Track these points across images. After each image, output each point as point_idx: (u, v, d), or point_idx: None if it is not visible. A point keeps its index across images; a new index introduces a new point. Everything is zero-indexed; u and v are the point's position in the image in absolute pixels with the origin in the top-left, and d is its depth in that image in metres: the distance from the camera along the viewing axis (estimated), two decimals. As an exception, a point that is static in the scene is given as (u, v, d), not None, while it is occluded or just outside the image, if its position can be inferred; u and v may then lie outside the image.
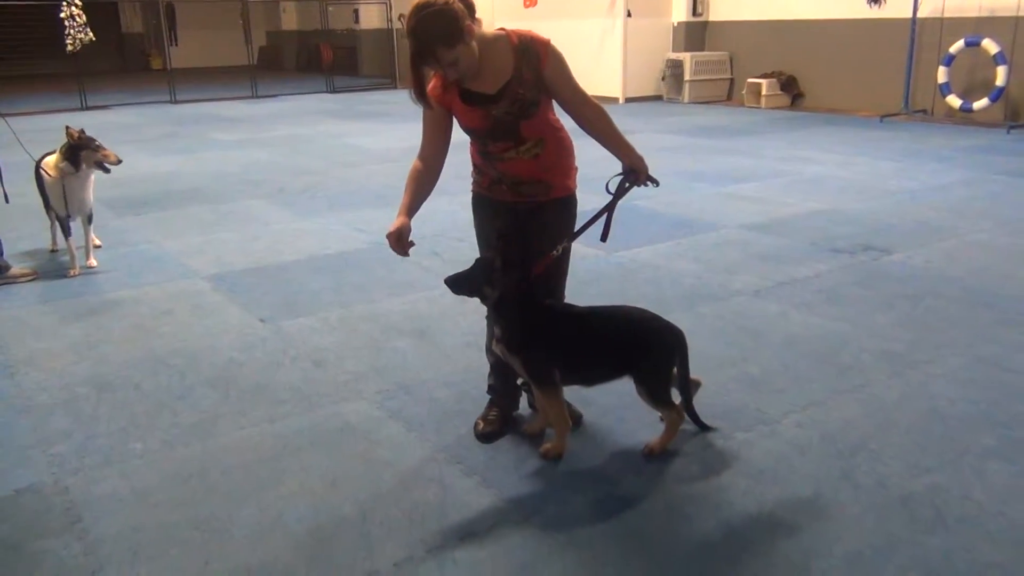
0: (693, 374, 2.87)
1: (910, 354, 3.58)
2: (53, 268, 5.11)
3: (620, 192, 2.84)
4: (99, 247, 5.39)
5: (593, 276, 4.70)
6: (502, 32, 2.69)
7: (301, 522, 2.50)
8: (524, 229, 2.81)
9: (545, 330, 2.75)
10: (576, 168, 2.90)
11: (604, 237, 2.88)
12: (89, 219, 5.14)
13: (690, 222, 5.87)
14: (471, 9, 2.57)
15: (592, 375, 2.86)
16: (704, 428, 2.93)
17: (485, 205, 2.89)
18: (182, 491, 2.68)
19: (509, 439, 2.97)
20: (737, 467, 2.73)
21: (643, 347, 2.77)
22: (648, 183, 2.85)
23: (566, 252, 2.89)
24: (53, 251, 5.44)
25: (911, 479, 2.64)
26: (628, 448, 2.86)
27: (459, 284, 2.75)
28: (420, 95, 2.66)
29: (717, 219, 5.95)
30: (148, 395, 3.37)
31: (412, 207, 2.75)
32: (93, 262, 5.11)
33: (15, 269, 4.88)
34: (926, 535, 2.37)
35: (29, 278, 4.86)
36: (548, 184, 2.80)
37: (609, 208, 2.87)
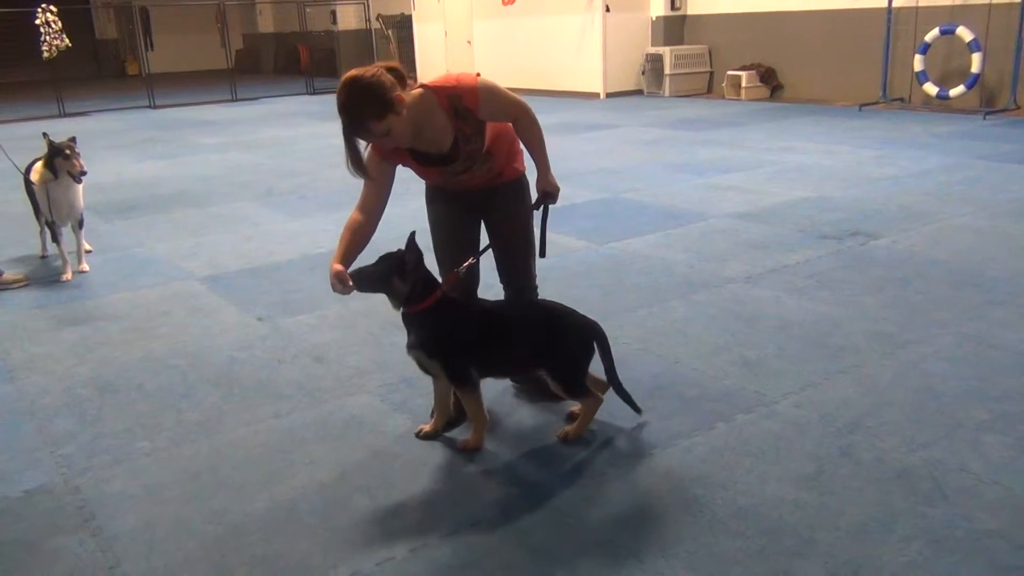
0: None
1: (901, 334, 3.66)
2: (45, 274, 5.10)
3: (544, 217, 3.01)
4: (90, 252, 5.37)
5: (585, 268, 4.74)
6: (427, 92, 2.66)
7: (314, 513, 2.54)
8: (483, 212, 3.02)
9: (460, 330, 2.79)
10: (521, 150, 3.00)
11: (542, 253, 3.07)
12: (80, 224, 5.13)
13: (678, 213, 5.94)
14: (401, 78, 2.58)
15: (507, 369, 2.98)
16: (638, 410, 2.94)
17: (439, 195, 3.03)
18: (193, 486, 2.70)
19: (515, 428, 3.01)
20: (740, 447, 2.79)
21: (555, 342, 2.81)
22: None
23: (530, 232, 3.05)
24: (43, 257, 5.42)
25: (909, 453, 2.71)
26: (636, 433, 2.91)
27: (365, 279, 2.70)
28: (357, 165, 2.64)
29: (704, 209, 6.02)
30: (151, 395, 3.39)
31: (347, 258, 2.72)
32: (85, 267, 5.10)
33: (7, 275, 4.86)
34: (926, 506, 2.43)
35: (21, 284, 4.84)
36: (500, 174, 2.95)
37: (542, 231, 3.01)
